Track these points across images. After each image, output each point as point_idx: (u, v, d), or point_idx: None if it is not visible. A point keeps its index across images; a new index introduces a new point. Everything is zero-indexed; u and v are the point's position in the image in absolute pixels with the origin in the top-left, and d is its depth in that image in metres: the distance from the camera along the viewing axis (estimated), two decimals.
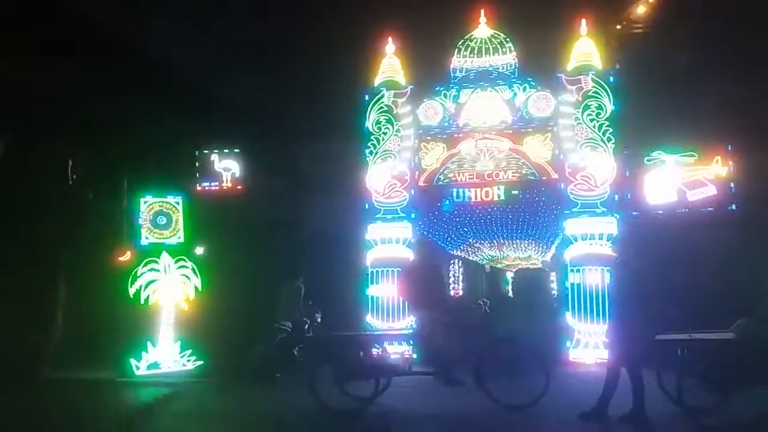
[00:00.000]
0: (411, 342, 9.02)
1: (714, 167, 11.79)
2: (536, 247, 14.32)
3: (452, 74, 12.09)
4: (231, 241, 11.33)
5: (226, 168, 14.06)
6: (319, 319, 9.92)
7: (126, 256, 10.24)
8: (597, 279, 10.69)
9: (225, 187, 13.90)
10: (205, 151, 13.97)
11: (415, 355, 9.13)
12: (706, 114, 11.75)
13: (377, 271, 11.73)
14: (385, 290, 11.54)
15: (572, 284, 10.93)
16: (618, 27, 12.98)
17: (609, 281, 8.67)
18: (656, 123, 11.94)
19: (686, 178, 11.95)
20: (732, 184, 11.70)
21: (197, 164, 13.88)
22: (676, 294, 7.97)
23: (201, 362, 10.34)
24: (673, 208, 11.92)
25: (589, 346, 10.68)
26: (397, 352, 9.38)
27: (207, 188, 13.82)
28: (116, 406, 8.00)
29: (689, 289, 9.84)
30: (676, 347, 6.73)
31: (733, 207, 11.55)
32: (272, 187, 13.00)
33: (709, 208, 11.73)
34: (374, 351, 7.89)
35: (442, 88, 12.00)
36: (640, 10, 13.11)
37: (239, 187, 13.88)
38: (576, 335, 10.78)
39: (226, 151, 14.02)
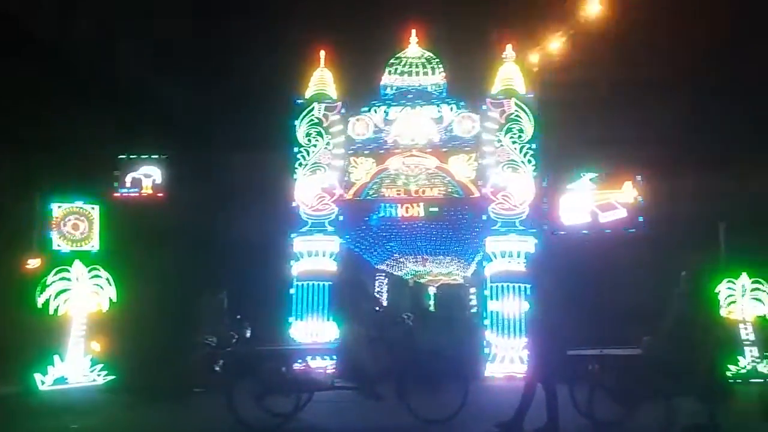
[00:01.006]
0: (334, 356, 8.99)
1: (625, 191, 12.50)
2: (458, 264, 14.67)
3: (382, 91, 12.28)
4: (151, 251, 10.95)
5: (147, 174, 13.60)
6: (248, 334, 9.72)
7: (35, 264, 9.70)
8: (515, 295, 11.10)
9: (145, 195, 13.43)
10: (125, 157, 13.46)
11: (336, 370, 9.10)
12: (619, 140, 12.48)
13: (303, 284, 11.65)
14: (311, 303, 11.49)
15: (491, 300, 11.28)
16: (540, 56, 13.59)
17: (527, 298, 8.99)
18: (573, 148, 12.56)
19: (599, 201, 12.60)
20: (641, 208, 12.44)
21: (116, 170, 13.35)
22: (587, 311, 8.37)
23: (113, 377, 9.90)
24: (586, 228, 12.53)
25: (505, 360, 11.03)
26: (320, 366, 9.33)
27: (126, 195, 13.31)
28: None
29: (600, 307, 10.36)
30: (587, 363, 7.06)
31: (639, 230, 12.26)
32: (196, 195, 12.68)
33: (619, 230, 12.40)
34: (296, 366, 7.81)
35: (373, 104, 12.15)
36: (562, 39, 13.80)
37: (160, 195, 13.45)
38: (494, 350, 11.10)
39: (147, 157, 13.57)
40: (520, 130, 11.72)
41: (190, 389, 9.03)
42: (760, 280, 10.73)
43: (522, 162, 11.62)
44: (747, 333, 10.66)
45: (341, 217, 11.85)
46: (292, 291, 11.63)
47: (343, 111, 12.12)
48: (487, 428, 6.64)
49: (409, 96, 12.11)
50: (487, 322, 11.26)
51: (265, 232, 12.25)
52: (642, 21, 12.69)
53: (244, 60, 13.43)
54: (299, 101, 12.23)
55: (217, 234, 12.79)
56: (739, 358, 10.42)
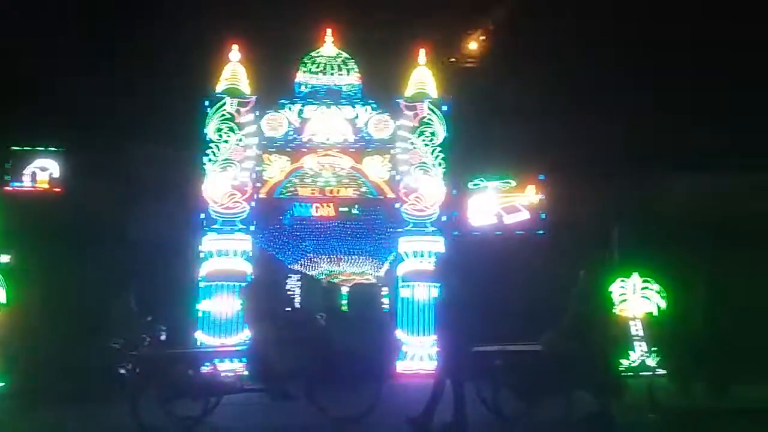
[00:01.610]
0: (244, 358, 8.86)
1: (528, 195, 13.10)
2: (371, 263, 14.80)
3: (297, 88, 12.19)
4: (48, 249, 10.31)
5: (43, 168, 12.76)
6: (163, 337, 9.35)
7: None
8: (425, 294, 11.38)
9: (40, 189, 12.61)
10: (17, 148, 12.59)
11: (246, 372, 8.97)
12: (523, 146, 13.04)
13: (212, 285, 11.35)
14: (219, 305, 11.22)
15: (403, 299, 11.53)
16: (452, 60, 13.96)
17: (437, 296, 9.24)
18: (481, 152, 13.01)
19: (503, 204, 13.14)
20: (542, 211, 13.07)
21: (8, 162, 12.46)
22: (492, 309, 8.71)
23: (3, 383, 9.26)
24: (491, 230, 13.02)
25: (415, 358, 11.28)
26: (229, 368, 9.16)
27: (18, 189, 12.45)
28: None
29: (504, 305, 10.78)
30: (491, 358, 7.35)
31: (541, 232, 12.90)
32: (99, 190, 12.04)
33: (522, 232, 12.98)
34: (204, 368, 7.64)
35: (287, 102, 12.04)
36: (473, 46, 14.23)
37: (57, 190, 12.66)
38: (405, 348, 11.32)
39: (43, 149, 12.75)
40: (432, 134, 12.02)
41: (91, 394, 8.58)
42: (648, 279, 11.60)
43: (433, 164, 11.94)
44: (637, 329, 11.49)
45: (253, 217, 11.66)
46: (200, 292, 11.32)
47: (256, 108, 11.92)
48: (398, 424, 6.78)
49: (324, 95, 12.11)
50: (398, 320, 11.48)
51: (173, 230, 11.82)
52: (550, 28, 13.27)
53: (152, 52, 12.86)
54: (210, 95, 11.91)
55: (122, 231, 12.18)
56: (630, 352, 11.21)
